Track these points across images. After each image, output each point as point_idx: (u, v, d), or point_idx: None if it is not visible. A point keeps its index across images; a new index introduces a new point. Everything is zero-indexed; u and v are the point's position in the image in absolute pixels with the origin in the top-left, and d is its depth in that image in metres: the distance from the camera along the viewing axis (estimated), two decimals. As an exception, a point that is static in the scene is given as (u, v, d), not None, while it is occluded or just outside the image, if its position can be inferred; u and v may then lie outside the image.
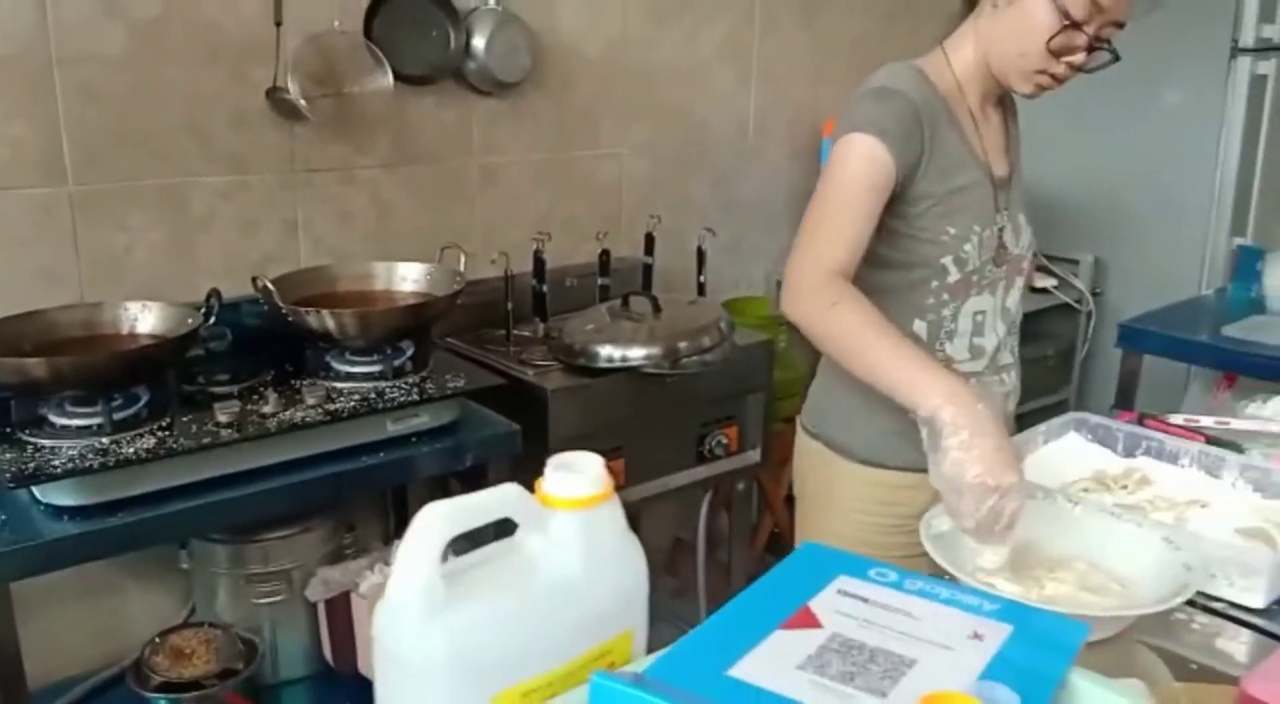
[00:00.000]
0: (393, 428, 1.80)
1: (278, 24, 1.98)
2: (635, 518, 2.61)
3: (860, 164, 1.27)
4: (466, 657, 0.61)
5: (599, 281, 2.36)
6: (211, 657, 1.81)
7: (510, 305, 2.20)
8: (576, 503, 0.68)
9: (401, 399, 1.78)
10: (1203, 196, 2.90)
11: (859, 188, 1.27)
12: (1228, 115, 2.83)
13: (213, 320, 1.79)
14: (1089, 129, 3.09)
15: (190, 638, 1.83)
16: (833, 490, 1.47)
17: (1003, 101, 1.47)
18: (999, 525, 1.10)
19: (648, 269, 2.48)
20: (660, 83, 2.59)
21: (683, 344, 2.13)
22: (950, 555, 1.10)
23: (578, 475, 0.69)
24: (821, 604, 0.74)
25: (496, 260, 2.14)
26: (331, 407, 1.73)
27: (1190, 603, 1.14)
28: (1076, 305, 3.08)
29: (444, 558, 0.65)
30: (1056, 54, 1.31)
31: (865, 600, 0.75)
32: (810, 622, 0.72)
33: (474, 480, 1.97)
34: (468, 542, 0.69)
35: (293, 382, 1.83)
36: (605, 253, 2.35)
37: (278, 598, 1.92)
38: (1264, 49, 2.78)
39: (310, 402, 1.72)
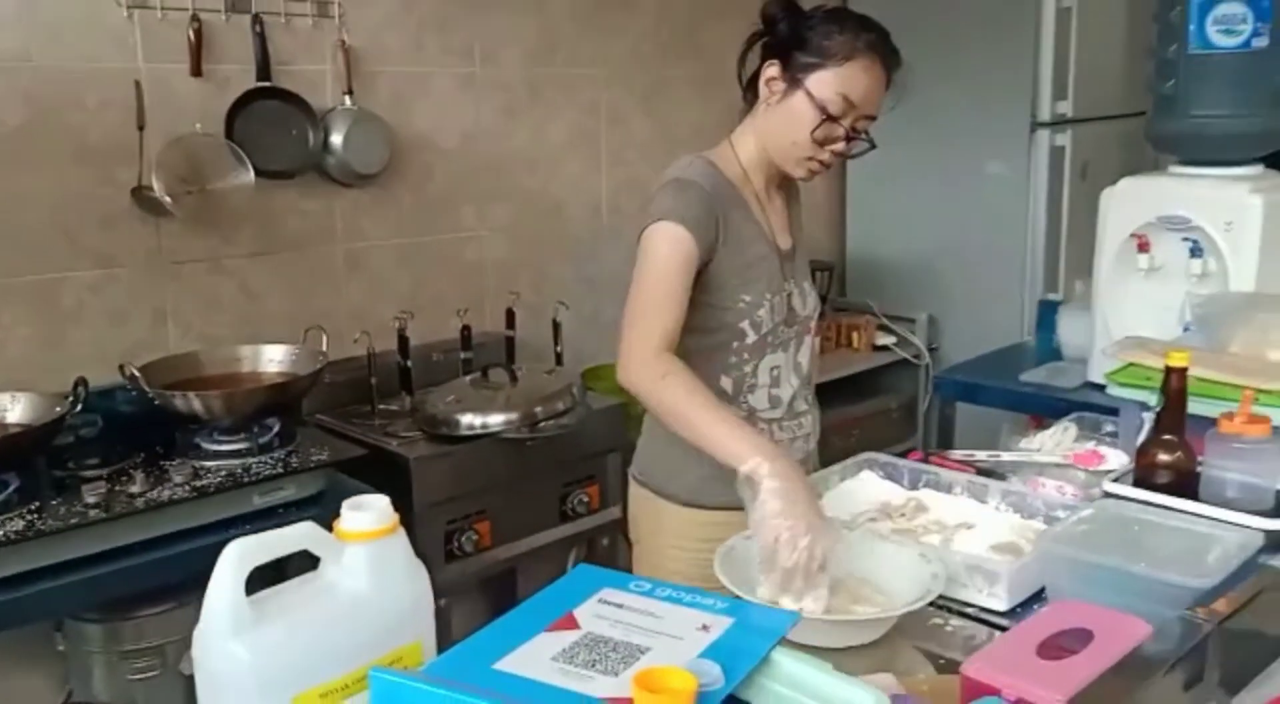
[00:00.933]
0: (259, 501, 1.91)
1: (140, 128, 2.12)
2: (511, 574, 2.75)
3: (669, 248, 1.48)
4: (269, 665, 0.76)
5: (462, 356, 2.51)
6: (87, 734, 1.87)
7: (375, 381, 2.34)
8: (365, 535, 0.83)
9: (267, 473, 1.89)
10: (1018, 256, 3.22)
11: (671, 270, 1.47)
12: (1033, 183, 3.16)
13: (79, 407, 1.88)
14: (918, 199, 3.40)
15: (66, 717, 1.88)
16: (660, 531, 1.64)
17: (784, 185, 1.69)
18: (810, 568, 1.26)
19: (510, 342, 2.64)
20: (515, 170, 2.79)
21: (539, 409, 2.30)
22: (732, 574, 1.27)
23: (366, 513, 0.85)
24: (583, 611, 0.90)
25: (359, 339, 2.28)
26: (198, 483, 1.83)
27: (948, 609, 1.34)
28: (915, 360, 3.35)
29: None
30: (821, 143, 1.53)
31: (620, 606, 0.91)
32: (571, 625, 0.88)
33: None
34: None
35: (162, 463, 1.93)
36: (467, 328, 2.51)
37: (153, 673, 1.98)
38: (1060, 122, 3.13)
39: (177, 480, 1.83)
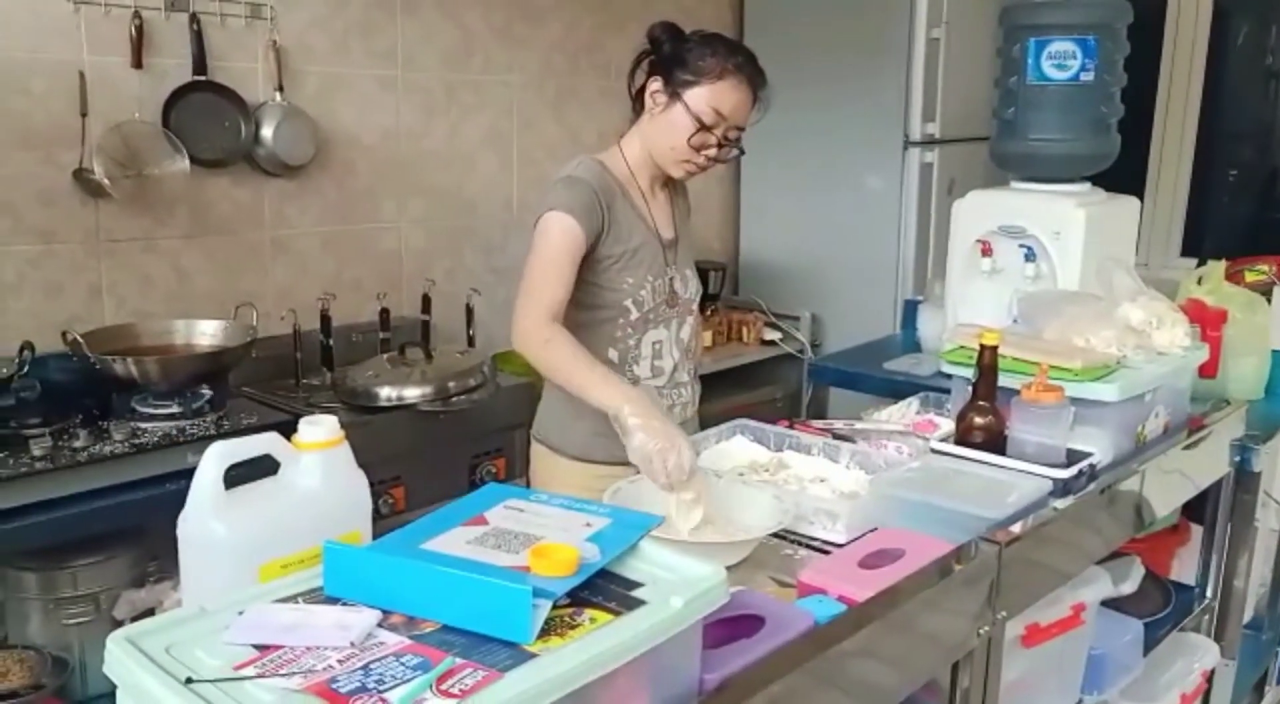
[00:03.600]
0: (194, 459, 2.06)
1: (83, 115, 2.27)
2: None
3: (558, 236, 1.72)
4: (240, 540, 0.97)
5: (380, 336, 2.71)
6: (25, 674, 2.01)
7: (299, 356, 2.52)
8: (317, 445, 1.05)
9: (200, 434, 2.07)
10: (891, 261, 3.55)
11: (559, 253, 1.72)
12: (904, 195, 3.49)
13: (25, 370, 2.03)
14: (804, 207, 3.71)
15: (4, 659, 2.02)
16: (555, 483, 1.87)
17: (669, 184, 1.94)
18: (682, 474, 1.53)
19: (425, 325, 2.85)
20: (432, 167, 3.00)
21: (452, 384, 2.51)
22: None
23: (319, 427, 1.07)
24: (493, 513, 1.13)
25: (285, 317, 2.46)
26: (137, 441, 2.00)
27: (798, 543, 1.61)
28: (799, 355, 3.65)
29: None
30: (697, 149, 1.79)
31: (522, 511, 1.14)
32: (481, 522, 1.11)
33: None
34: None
35: (100, 423, 2.09)
36: (385, 311, 2.71)
37: (86, 619, 2.13)
38: (928, 142, 3.47)
39: (118, 437, 1.99)
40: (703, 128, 1.76)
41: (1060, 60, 2.40)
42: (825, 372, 2.80)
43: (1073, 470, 1.63)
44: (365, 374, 2.51)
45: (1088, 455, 1.70)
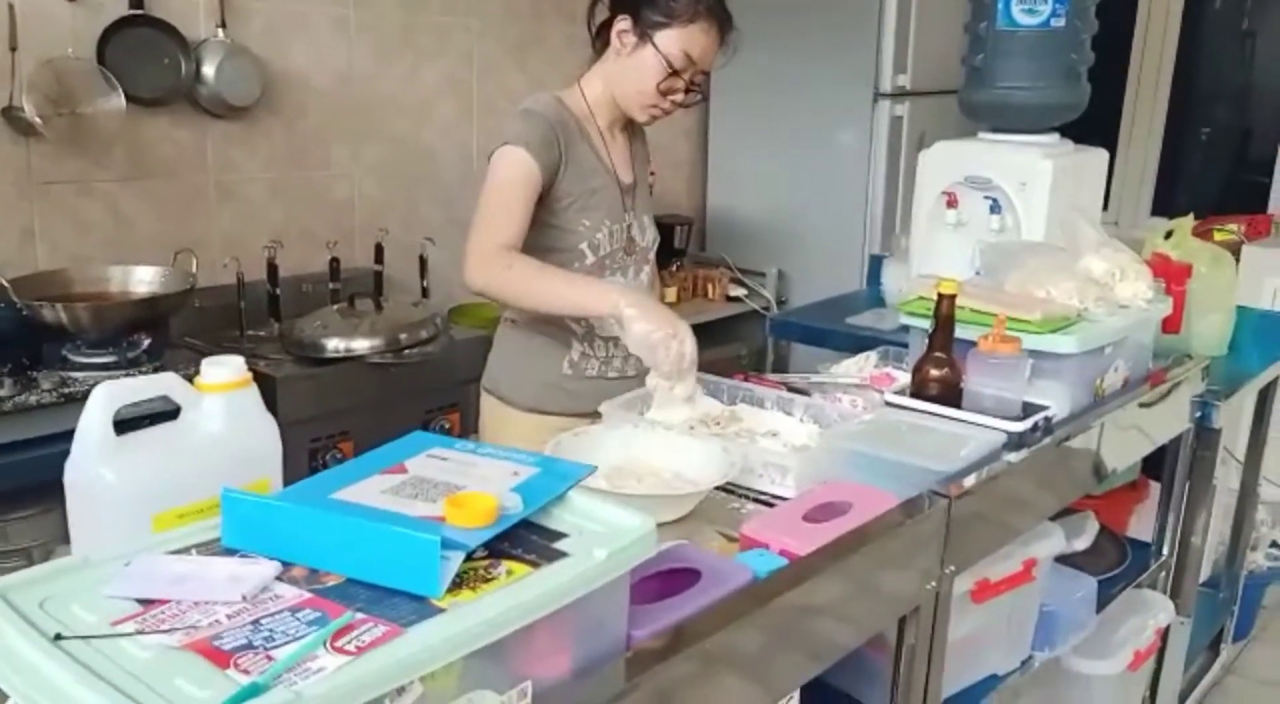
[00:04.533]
0: (127, 411, 2.01)
1: (13, 49, 2.16)
2: None
3: (513, 168, 1.65)
4: (132, 487, 0.91)
5: (330, 287, 2.63)
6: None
7: (243, 305, 2.44)
8: (220, 387, 0.99)
9: (135, 383, 1.99)
10: (859, 216, 3.49)
11: (514, 186, 1.65)
12: (874, 149, 3.43)
13: (-51, 315, 1.95)
14: (771, 163, 3.64)
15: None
16: (506, 436, 1.82)
17: (629, 126, 1.87)
18: (685, 362, 1.54)
19: (378, 276, 2.77)
20: (387, 113, 2.90)
21: (403, 336, 2.44)
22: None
23: (223, 368, 1.00)
24: (414, 462, 1.07)
25: (229, 265, 2.38)
26: (66, 391, 1.92)
27: (746, 496, 1.56)
28: (764, 311, 3.59)
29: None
30: (664, 93, 1.72)
31: (445, 459, 1.09)
32: (401, 470, 1.05)
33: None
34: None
35: (30, 372, 2.01)
36: (335, 260, 2.63)
37: (17, 574, 2.07)
38: (899, 94, 3.40)
39: (46, 386, 1.92)
40: (673, 72, 1.69)
41: (1031, 5, 2.33)
42: (787, 327, 2.75)
43: (1027, 423, 1.59)
44: (313, 325, 2.44)
45: (1043, 408, 1.66)
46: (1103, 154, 2.56)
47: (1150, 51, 4.49)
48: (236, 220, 2.63)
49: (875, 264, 2.92)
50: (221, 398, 0.99)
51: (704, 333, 3.54)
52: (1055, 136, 2.46)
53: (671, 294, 3.51)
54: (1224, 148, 4.41)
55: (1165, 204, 4.44)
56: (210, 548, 0.90)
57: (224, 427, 0.99)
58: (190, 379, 2.13)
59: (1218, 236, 3.69)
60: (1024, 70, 2.38)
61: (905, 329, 2.55)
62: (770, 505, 1.54)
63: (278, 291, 2.53)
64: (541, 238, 1.72)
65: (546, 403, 1.78)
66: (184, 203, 2.53)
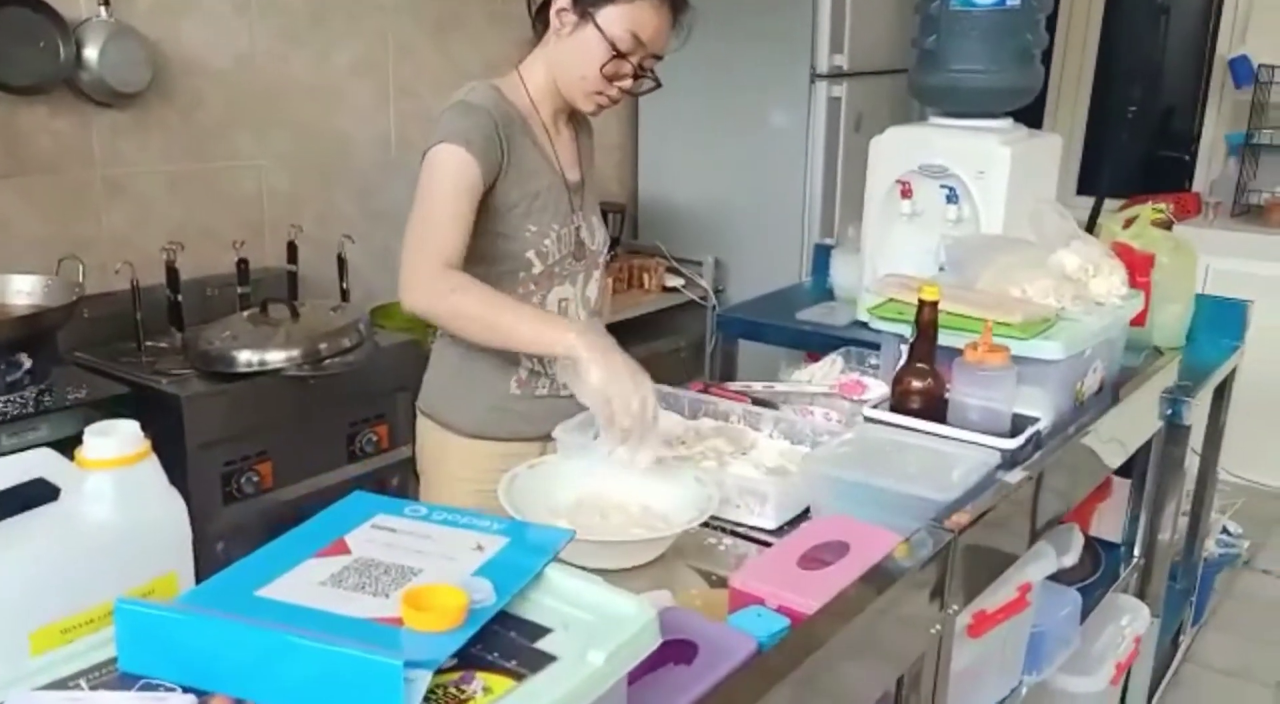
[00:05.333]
0: (9, 443, 1.77)
1: None
2: (295, 517, 2.67)
3: (452, 172, 1.46)
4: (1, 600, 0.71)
5: (239, 291, 2.40)
6: None
7: (140, 316, 2.20)
8: (109, 463, 0.79)
9: (16, 412, 1.76)
10: (798, 203, 3.36)
11: (453, 191, 1.45)
12: (811, 132, 3.30)
13: None
14: (705, 147, 3.49)
15: None
16: (446, 463, 1.63)
17: (574, 118, 1.69)
18: (645, 421, 1.35)
19: (292, 277, 2.54)
20: (296, 98, 2.66)
21: (323, 346, 2.23)
22: (517, 503, 1.29)
23: (111, 439, 0.80)
24: (355, 536, 0.89)
25: (120, 270, 2.14)
26: (-66, 425, 1.68)
27: (721, 529, 1.41)
28: (702, 302, 3.45)
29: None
30: (610, 78, 1.54)
31: (394, 531, 0.91)
32: (341, 550, 0.87)
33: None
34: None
35: (-109, 403, 1.76)
36: (243, 262, 2.39)
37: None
38: (836, 75, 3.27)
39: (-91, 421, 1.67)
40: (617, 55, 1.51)
41: (986, -16, 2.21)
42: (733, 323, 2.60)
43: (1019, 440, 1.47)
44: (221, 335, 2.21)
45: (1033, 420, 1.55)
46: (1056, 139, 2.47)
47: (1075, 30, 4.45)
48: (129, 219, 2.37)
49: (820, 254, 2.79)
50: (110, 476, 0.80)
51: (641, 325, 3.43)
52: (1009, 121, 2.35)
53: (606, 286, 3.34)
54: (1143, 126, 4.40)
55: (1089, 182, 4.42)
56: (104, 675, 0.71)
57: (115, 512, 0.79)
58: (80, 405, 1.92)
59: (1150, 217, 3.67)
60: (978, 52, 2.26)
61: (860, 325, 2.46)
62: (748, 539, 1.40)
63: (179, 298, 2.28)
64: (483, 246, 1.53)
65: (492, 427, 1.60)
66: (68, 201, 2.27)
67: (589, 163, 1.71)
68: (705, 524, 1.39)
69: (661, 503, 1.40)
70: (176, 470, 2.08)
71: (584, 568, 1.30)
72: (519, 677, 0.74)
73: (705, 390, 1.78)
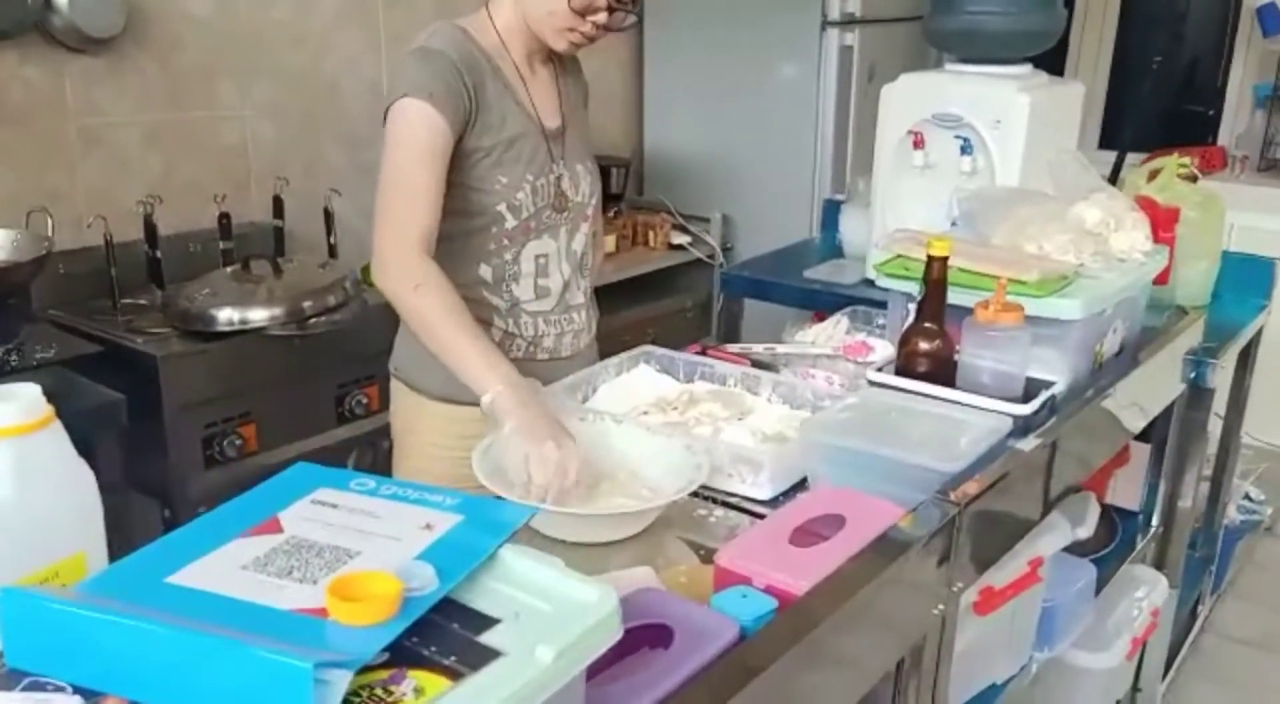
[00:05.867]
0: (-28, 405, 1.69)
1: None
2: None
3: (419, 131, 1.35)
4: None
5: (221, 246, 2.31)
6: None
7: (115, 272, 2.12)
8: (5, 432, 0.71)
9: (-22, 373, 1.68)
10: (808, 156, 3.23)
11: (423, 155, 1.35)
12: (822, 82, 3.16)
13: None
14: (712, 98, 3.36)
15: None
16: (416, 428, 1.55)
17: (553, 58, 1.57)
18: (566, 482, 1.22)
19: (278, 232, 2.45)
20: (280, 44, 2.55)
21: (308, 304, 2.14)
22: (491, 473, 1.21)
23: (7, 406, 0.72)
24: (291, 513, 0.81)
25: (93, 224, 2.05)
26: (-110, 386, 1.60)
27: (713, 499, 1.32)
28: (709, 260, 3.34)
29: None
30: (581, 13, 1.42)
31: (335, 507, 0.82)
32: (273, 528, 0.78)
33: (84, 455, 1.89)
34: None
35: None
36: (225, 216, 2.30)
37: None
38: (848, 22, 3.13)
39: None
40: (584, -14, 1.39)
41: (1006, -81, 2.08)
42: (738, 282, 2.50)
43: (1033, 405, 1.37)
44: (201, 292, 2.12)
45: (1048, 384, 1.45)
46: (1078, 87, 2.34)
47: (1100, -25, 4.28)
48: (105, 172, 2.28)
49: (830, 209, 2.68)
50: (6, 447, 0.71)
51: (647, 284, 3.32)
52: (1028, 68, 2.22)
53: (611, 243, 3.23)
54: (1168, 77, 4.23)
55: (1111, 136, 4.27)
56: (-14, 674, 0.63)
57: (12, 487, 0.71)
58: (49, 365, 1.84)
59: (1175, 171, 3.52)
60: (997, -7, 2.13)
61: (869, 283, 2.34)
62: (741, 510, 1.31)
63: (158, 254, 2.19)
64: (454, 201, 1.43)
65: (463, 391, 1.50)
66: (40, 153, 2.17)
67: (573, 107, 1.59)
68: (696, 494, 1.30)
69: (650, 471, 1.31)
70: (154, 433, 2.01)
71: (565, 542, 1.22)
72: (456, 675, 0.65)
73: (703, 352, 1.69)
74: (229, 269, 2.25)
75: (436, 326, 1.35)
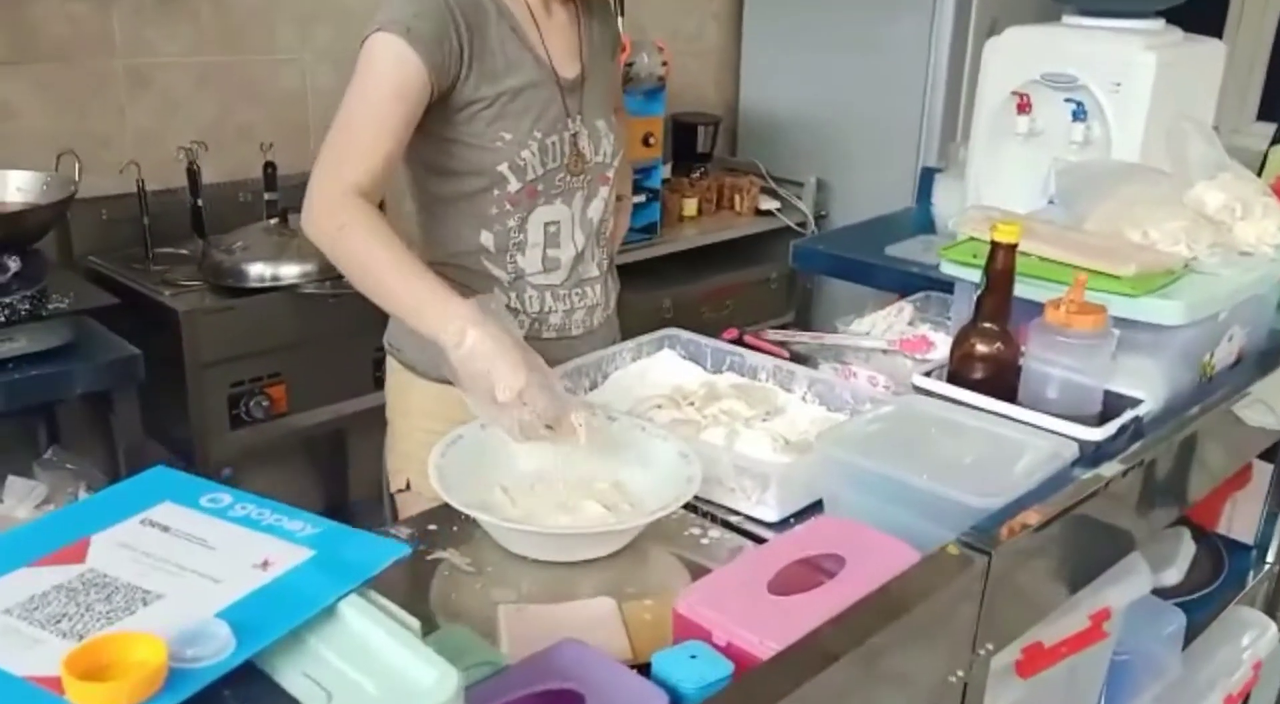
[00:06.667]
0: None
1: None
2: (310, 445, 2.52)
3: (387, 69, 1.19)
4: None
5: (266, 197, 2.22)
6: None
7: (147, 221, 2.05)
8: None
9: (-5, 319, 1.62)
10: (914, 119, 2.96)
11: (384, 97, 1.19)
12: (935, 38, 2.87)
13: None
14: (815, 53, 3.11)
15: None
16: (410, 409, 1.41)
17: (575, 0, 1.38)
18: (542, 424, 1.09)
19: (330, 184, 2.34)
20: (342, -15, 2.43)
21: (342, 262, 2.02)
22: (450, 476, 1.06)
23: None
24: (108, 536, 0.67)
25: (126, 170, 1.97)
26: (-107, 332, 1.55)
27: (711, 517, 1.14)
28: (800, 228, 3.11)
29: None
30: None
31: (166, 529, 0.68)
32: (76, 556, 0.65)
33: (101, 408, 1.84)
34: None
35: None
36: (270, 166, 2.20)
37: None
38: (969, -26, 2.82)
39: None
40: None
41: None
42: (812, 255, 2.27)
43: (1109, 429, 1.14)
44: (235, 245, 2.03)
45: (1133, 402, 1.20)
46: (1218, 47, 2.01)
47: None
48: (155, 114, 2.20)
49: (926, 178, 2.42)
50: None
51: (729, 252, 3.11)
52: (1160, 23, 1.92)
53: (692, 206, 3.04)
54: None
55: (1271, 106, 3.81)
56: None
57: None
58: (60, 316, 1.77)
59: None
60: (1131, -68, 1.84)
61: (956, 265, 2.11)
62: (745, 533, 1.13)
63: (199, 202, 2.12)
64: (448, 159, 1.27)
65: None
66: (85, 93, 2.11)
67: (597, 55, 1.39)
68: (694, 509, 1.13)
69: (637, 480, 1.14)
70: (175, 390, 1.93)
71: (535, 559, 1.07)
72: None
73: (739, 339, 1.49)
74: (273, 221, 2.16)
75: (370, 267, 1.16)
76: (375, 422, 2.22)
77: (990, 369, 1.21)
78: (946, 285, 1.81)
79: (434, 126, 1.24)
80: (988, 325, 1.21)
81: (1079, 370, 1.16)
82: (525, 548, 1.04)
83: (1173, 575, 1.35)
